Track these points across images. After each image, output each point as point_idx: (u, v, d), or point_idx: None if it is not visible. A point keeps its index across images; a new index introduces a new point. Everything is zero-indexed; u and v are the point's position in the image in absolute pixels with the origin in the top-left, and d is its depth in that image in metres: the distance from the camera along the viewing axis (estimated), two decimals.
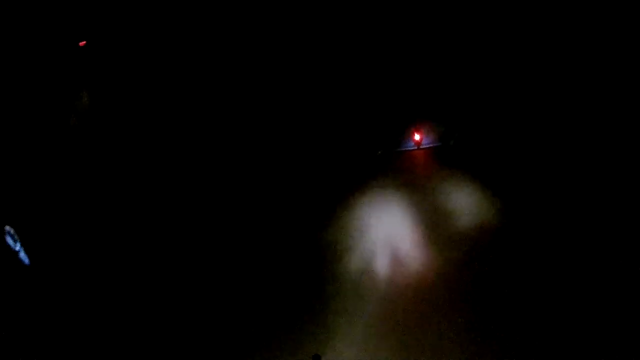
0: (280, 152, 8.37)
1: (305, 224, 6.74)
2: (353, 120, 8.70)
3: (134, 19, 8.24)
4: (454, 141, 8.19)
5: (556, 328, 3.84)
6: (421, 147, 8.69)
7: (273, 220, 6.90)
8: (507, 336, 3.97)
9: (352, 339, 4.15)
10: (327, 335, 4.24)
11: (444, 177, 7.75)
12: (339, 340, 4.19)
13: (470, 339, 4.08)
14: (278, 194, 7.64)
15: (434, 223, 6.52)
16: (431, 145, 8.70)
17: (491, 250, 5.55)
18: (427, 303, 4.65)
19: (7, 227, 5.92)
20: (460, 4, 7.34)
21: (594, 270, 4.46)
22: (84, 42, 8.37)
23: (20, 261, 5.95)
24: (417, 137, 8.64)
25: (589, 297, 4.11)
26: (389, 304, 4.73)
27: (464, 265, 5.34)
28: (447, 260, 5.49)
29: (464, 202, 6.82)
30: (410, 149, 8.84)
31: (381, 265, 5.35)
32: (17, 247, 5.92)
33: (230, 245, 6.19)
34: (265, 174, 8.14)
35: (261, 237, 6.48)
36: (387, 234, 6.08)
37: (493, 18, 6.97)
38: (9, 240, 5.82)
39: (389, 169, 8.33)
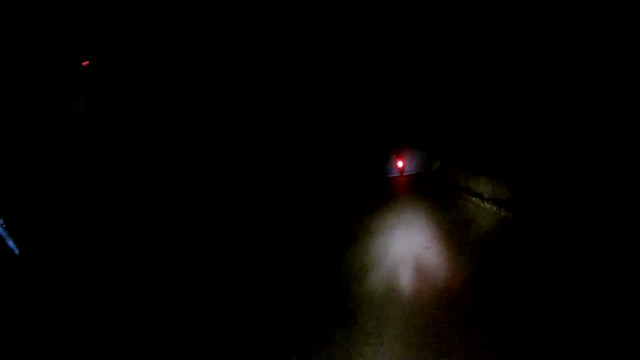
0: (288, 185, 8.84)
1: (323, 251, 6.65)
2: (343, 150, 9.59)
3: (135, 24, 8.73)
4: (438, 167, 9.15)
5: (585, 334, 3.61)
6: (404, 174, 9.72)
7: (292, 249, 6.90)
8: (540, 343, 3.70)
9: (380, 356, 4.07)
10: (354, 355, 4.14)
11: (434, 197, 8.38)
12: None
13: (500, 348, 3.79)
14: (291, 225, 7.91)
15: (444, 236, 6.61)
16: (412, 172, 9.77)
17: (502, 256, 5.58)
18: (454, 314, 4.45)
19: None
20: (437, 44, 8.76)
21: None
22: (87, 62, 8.52)
23: (10, 250, 5.30)
24: (400, 164, 9.71)
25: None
26: (414, 318, 4.41)
27: (483, 273, 5.20)
28: (467, 270, 5.37)
29: (470, 216, 7.11)
30: (394, 175, 9.82)
31: (403, 282, 5.27)
32: (6, 236, 5.33)
33: (252, 271, 6.03)
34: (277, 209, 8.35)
35: (282, 263, 6.35)
36: (404, 251, 6.12)
37: (466, 54, 8.24)
38: None
39: (386, 194, 9.02)
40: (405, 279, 5.39)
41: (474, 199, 7.64)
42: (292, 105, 9.87)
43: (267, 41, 9.68)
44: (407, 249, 6.12)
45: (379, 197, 9.31)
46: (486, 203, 7.26)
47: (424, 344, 3.84)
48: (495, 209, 6.93)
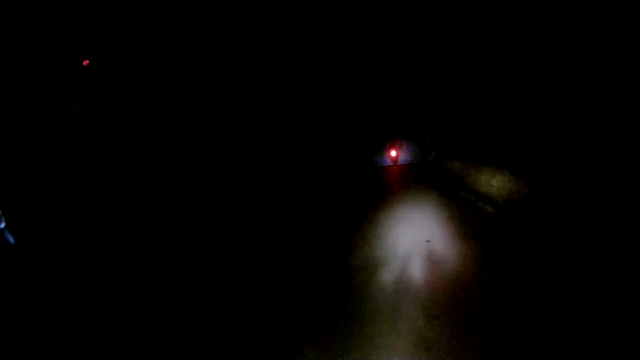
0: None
1: (329, 254, 6.60)
2: (335, 139, 9.00)
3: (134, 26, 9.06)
4: (435, 157, 8.32)
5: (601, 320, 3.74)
6: (398, 164, 8.79)
7: (297, 244, 6.96)
8: (559, 331, 3.82)
9: (393, 351, 4.11)
10: (368, 350, 4.21)
11: (430, 190, 7.83)
12: (381, 353, 4.14)
13: (516, 335, 3.92)
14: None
15: (445, 233, 6.54)
16: (407, 162, 8.79)
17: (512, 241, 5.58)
18: (465, 304, 4.62)
19: None
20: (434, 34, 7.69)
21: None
22: (87, 61, 9.16)
23: (5, 240, 5.99)
24: (393, 154, 8.76)
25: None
26: (427, 310, 4.62)
27: (492, 261, 5.28)
28: (475, 258, 5.46)
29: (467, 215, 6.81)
30: (387, 165, 8.96)
31: (413, 275, 5.38)
32: (2, 225, 5.99)
33: (267, 277, 6.09)
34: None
35: (289, 261, 6.43)
36: (411, 246, 6.12)
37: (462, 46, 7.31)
38: None
39: (381, 185, 8.41)
40: (412, 273, 5.43)
41: (473, 197, 7.19)
42: (282, 95, 9.44)
43: (261, 31, 9.27)
44: (410, 243, 6.15)
45: (376, 189, 8.76)
46: (481, 201, 6.98)
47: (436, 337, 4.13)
48: (489, 207, 6.80)
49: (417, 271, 5.34)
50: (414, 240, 6.17)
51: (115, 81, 9.32)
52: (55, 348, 4.65)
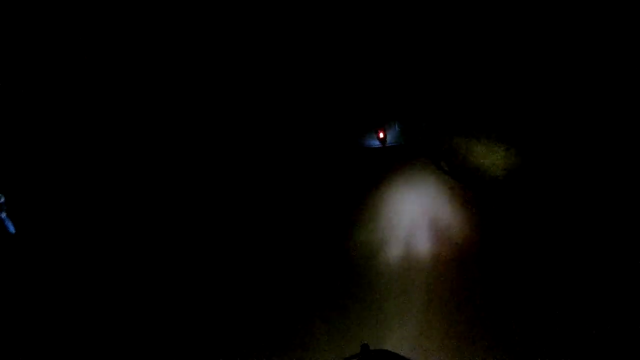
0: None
1: (335, 233, 6.74)
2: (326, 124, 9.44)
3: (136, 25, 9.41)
4: (421, 138, 8.65)
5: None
6: (386, 145, 9.37)
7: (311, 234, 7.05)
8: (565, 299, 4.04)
9: (399, 325, 4.15)
10: (374, 325, 4.28)
11: (424, 168, 8.23)
12: (386, 328, 4.19)
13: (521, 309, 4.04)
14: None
15: (448, 202, 6.82)
16: (395, 144, 9.36)
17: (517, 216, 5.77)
18: (468, 279, 4.77)
19: None
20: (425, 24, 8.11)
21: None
22: (87, 56, 9.49)
23: (6, 229, 6.05)
24: (381, 135, 9.35)
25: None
26: (431, 284, 4.75)
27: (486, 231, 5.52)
28: (467, 228, 5.69)
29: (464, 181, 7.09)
30: (375, 146, 9.51)
31: (417, 252, 5.53)
32: (3, 215, 6.09)
33: (286, 254, 6.27)
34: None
35: (297, 243, 6.59)
36: (413, 223, 6.28)
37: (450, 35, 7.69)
38: None
39: (371, 167, 8.84)
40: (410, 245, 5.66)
41: (462, 174, 7.40)
42: (274, 83, 9.86)
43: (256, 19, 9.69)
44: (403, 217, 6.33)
45: (365, 170, 9.09)
46: (470, 177, 7.15)
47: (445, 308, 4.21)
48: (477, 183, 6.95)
49: (414, 242, 5.63)
50: (405, 215, 6.47)
51: (115, 76, 9.62)
52: (55, 336, 4.67)
